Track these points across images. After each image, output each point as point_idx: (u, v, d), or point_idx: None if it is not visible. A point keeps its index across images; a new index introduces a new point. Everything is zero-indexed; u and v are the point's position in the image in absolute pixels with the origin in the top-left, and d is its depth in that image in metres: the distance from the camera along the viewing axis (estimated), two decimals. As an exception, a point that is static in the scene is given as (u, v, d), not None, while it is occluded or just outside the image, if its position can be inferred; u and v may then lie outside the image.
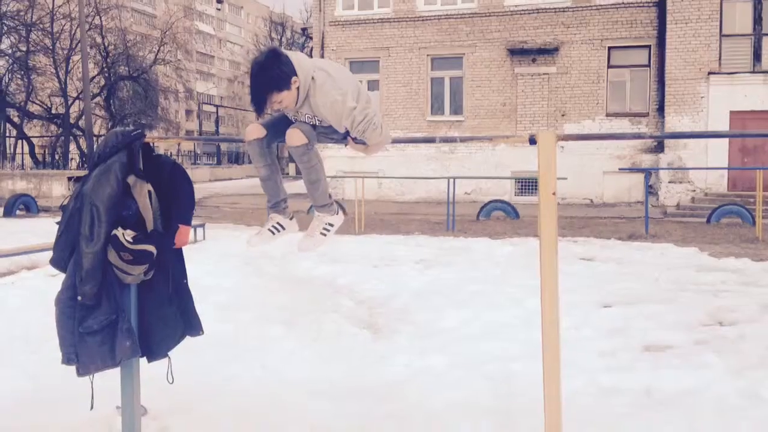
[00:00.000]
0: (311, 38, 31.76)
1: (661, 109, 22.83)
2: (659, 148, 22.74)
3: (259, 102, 3.36)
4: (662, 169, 21.74)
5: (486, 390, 4.87)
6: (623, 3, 23.19)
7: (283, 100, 3.36)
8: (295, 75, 3.32)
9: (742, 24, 21.92)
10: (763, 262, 10.47)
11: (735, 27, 21.98)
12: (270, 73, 3.30)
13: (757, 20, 21.70)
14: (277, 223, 3.80)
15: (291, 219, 3.87)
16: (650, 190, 19.42)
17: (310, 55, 35.64)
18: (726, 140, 21.18)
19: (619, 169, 21.41)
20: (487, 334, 6.29)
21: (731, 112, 21.52)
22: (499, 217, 18.14)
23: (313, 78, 3.36)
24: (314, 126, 3.50)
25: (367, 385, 5.01)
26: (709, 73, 21.85)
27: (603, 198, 23.73)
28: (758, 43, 21.73)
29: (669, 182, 22.29)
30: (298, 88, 3.35)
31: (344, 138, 3.53)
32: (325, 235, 3.82)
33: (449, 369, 5.37)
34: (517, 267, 9.99)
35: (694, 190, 22.07)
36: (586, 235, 14.33)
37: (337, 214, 3.85)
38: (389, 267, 10.25)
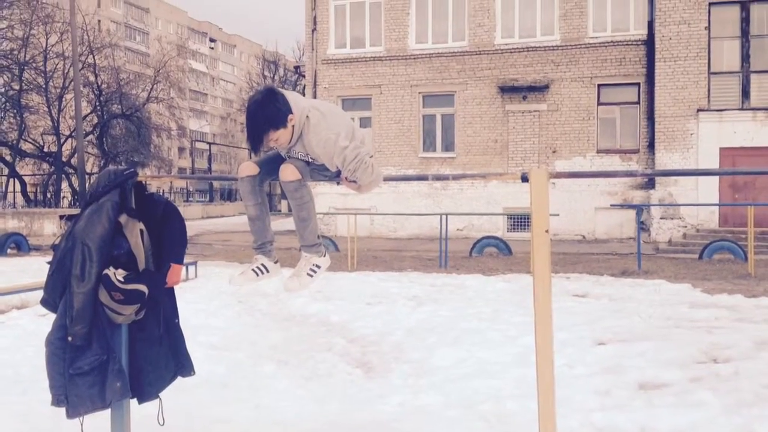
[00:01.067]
0: (304, 76, 32.06)
1: (651, 146, 23.00)
2: (650, 184, 22.87)
3: (255, 140, 3.38)
4: (653, 205, 21.84)
5: (481, 429, 4.83)
6: (612, 41, 23.49)
7: (279, 138, 3.38)
8: (291, 113, 3.34)
9: (729, 61, 22.21)
10: (756, 298, 10.47)
11: (723, 65, 22.26)
12: (267, 111, 3.32)
13: (745, 58, 21.98)
14: (262, 264, 3.79)
15: (276, 263, 3.85)
16: (642, 227, 19.47)
17: (303, 93, 35.92)
18: (716, 176, 21.33)
19: (611, 205, 21.49)
20: (482, 373, 6.25)
21: (721, 149, 21.69)
22: (492, 253, 18.14)
23: (307, 117, 3.39)
24: (308, 163, 3.52)
25: (361, 425, 4.96)
26: (698, 110, 22.07)
27: (595, 234, 23.78)
28: (746, 81, 21.99)
29: (660, 218, 22.37)
30: (293, 126, 3.38)
31: (337, 176, 3.54)
32: (311, 276, 3.80)
33: (444, 408, 5.33)
34: (511, 303, 9.96)
35: (686, 226, 22.14)
36: (579, 272, 14.33)
37: (324, 256, 3.83)
38: (382, 304, 10.21)
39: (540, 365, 3.02)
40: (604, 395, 5.56)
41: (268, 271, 3.80)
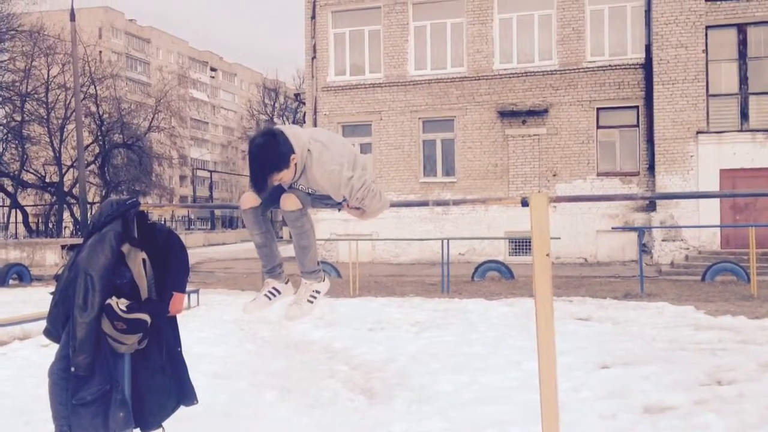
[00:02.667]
0: (304, 103, 32.22)
1: (651, 168, 23.05)
2: (651, 206, 22.88)
3: (259, 184, 3.40)
4: (655, 227, 21.84)
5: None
6: (610, 65, 23.63)
7: (282, 177, 3.41)
8: (294, 152, 3.36)
9: (728, 84, 22.32)
10: (759, 319, 10.43)
11: (721, 87, 22.38)
12: (269, 154, 3.34)
13: (743, 80, 22.10)
14: (273, 288, 3.80)
15: (287, 283, 3.87)
16: (644, 249, 19.47)
17: (303, 120, 36.08)
18: (717, 198, 21.36)
19: (612, 228, 21.49)
20: (485, 398, 6.22)
21: (721, 170, 21.73)
22: (494, 277, 18.11)
23: (309, 150, 3.40)
24: (309, 193, 3.53)
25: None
26: (698, 132, 22.15)
27: (597, 257, 23.76)
28: (745, 102, 22.09)
29: (662, 240, 22.36)
30: (296, 164, 3.40)
31: (339, 203, 3.56)
32: (312, 302, 3.81)
33: (448, 434, 5.30)
34: (514, 327, 9.93)
35: (688, 248, 22.12)
36: (582, 295, 14.29)
37: (324, 281, 3.85)
38: (385, 330, 10.18)
39: (543, 389, 3.02)
40: (610, 419, 5.53)
41: (280, 293, 3.82)
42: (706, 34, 22.26)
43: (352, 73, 26.49)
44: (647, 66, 23.09)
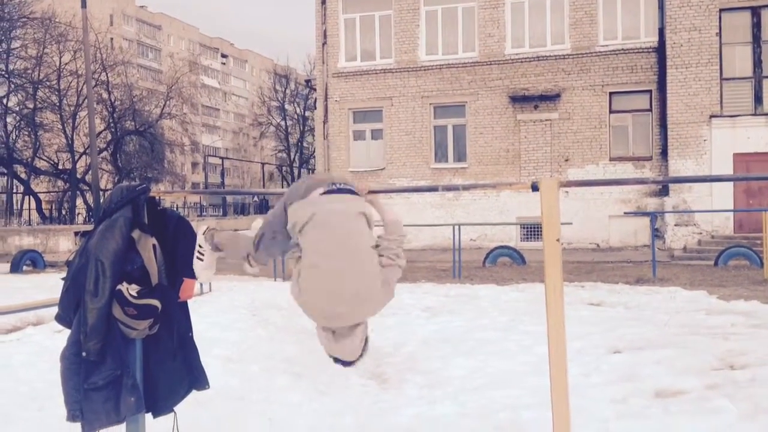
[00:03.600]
0: (315, 89, 32.19)
1: (664, 153, 22.92)
2: (664, 191, 22.76)
3: None
4: (668, 212, 21.73)
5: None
6: (623, 49, 23.46)
7: None
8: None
9: (742, 67, 22.13)
10: (772, 303, 10.37)
11: (735, 70, 22.19)
12: None
13: (757, 63, 21.91)
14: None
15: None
16: (656, 234, 19.38)
17: (314, 106, 35.96)
18: (731, 182, 21.22)
19: (625, 213, 21.41)
20: (497, 382, 6.22)
21: (734, 155, 21.58)
22: (506, 263, 18.10)
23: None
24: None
25: (376, 437, 4.94)
26: (711, 117, 21.99)
27: (609, 242, 23.68)
28: (759, 86, 21.91)
29: (675, 225, 22.25)
30: None
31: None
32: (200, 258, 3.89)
33: (459, 418, 5.30)
34: (525, 313, 9.92)
35: (701, 233, 22.01)
36: (594, 280, 14.25)
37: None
38: (396, 316, 10.18)
39: (554, 374, 3.01)
40: (621, 403, 5.52)
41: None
42: (720, 17, 22.05)
43: (362, 58, 26.42)
44: (660, 49, 22.92)
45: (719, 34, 22.07)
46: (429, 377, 6.59)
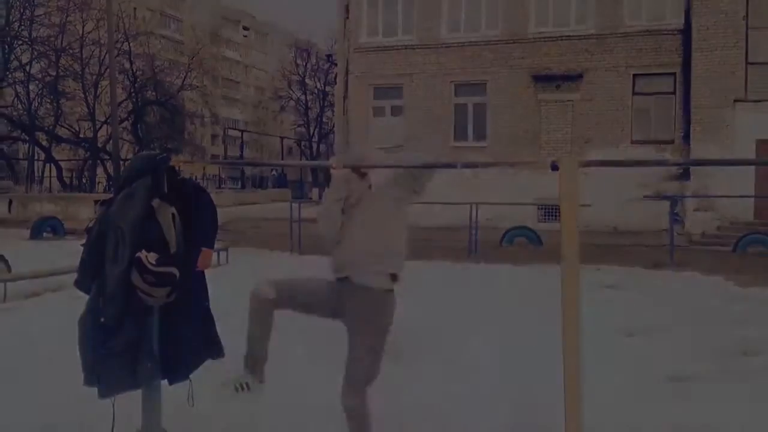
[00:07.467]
0: (336, 64, 32.04)
1: (686, 137, 22.68)
2: (685, 176, 22.56)
3: None
4: (687, 197, 21.54)
5: (511, 416, 4.83)
6: (648, 30, 23.15)
7: None
8: None
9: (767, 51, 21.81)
10: (790, 291, 10.31)
11: (761, 55, 21.84)
12: None
13: (784, 48, 21.58)
14: (246, 383, 4.00)
15: (261, 382, 4.10)
16: (675, 218, 19.22)
17: (334, 81, 35.86)
18: (752, 168, 20.98)
19: (644, 196, 21.24)
20: (511, 362, 6.24)
21: (758, 141, 21.31)
22: (522, 243, 18.05)
23: None
24: None
25: (391, 412, 4.98)
26: (735, 101, 21.70)
27: (628, 226, 23.51)
28: (785, 71, 21.59)
29: (694, 210, 22.06)
30: None
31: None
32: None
33: (473, 395, 5.33)
34: (541, 294, 9.90)
35: (720, 219, 21.81)
36: (611, 263, 14.19)
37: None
38: (411, 293, 10.18)
39: (567, 356, 3.01)
40: (633, 387, 5.53)
41: (249, 391, 3.86)
42: (747, 1, 21.69)
43: (384, 34, 26.25)
44: (686, 32, 22.59)
45: (746, 18, 21.72)
46: (444, 355, 6.63)
